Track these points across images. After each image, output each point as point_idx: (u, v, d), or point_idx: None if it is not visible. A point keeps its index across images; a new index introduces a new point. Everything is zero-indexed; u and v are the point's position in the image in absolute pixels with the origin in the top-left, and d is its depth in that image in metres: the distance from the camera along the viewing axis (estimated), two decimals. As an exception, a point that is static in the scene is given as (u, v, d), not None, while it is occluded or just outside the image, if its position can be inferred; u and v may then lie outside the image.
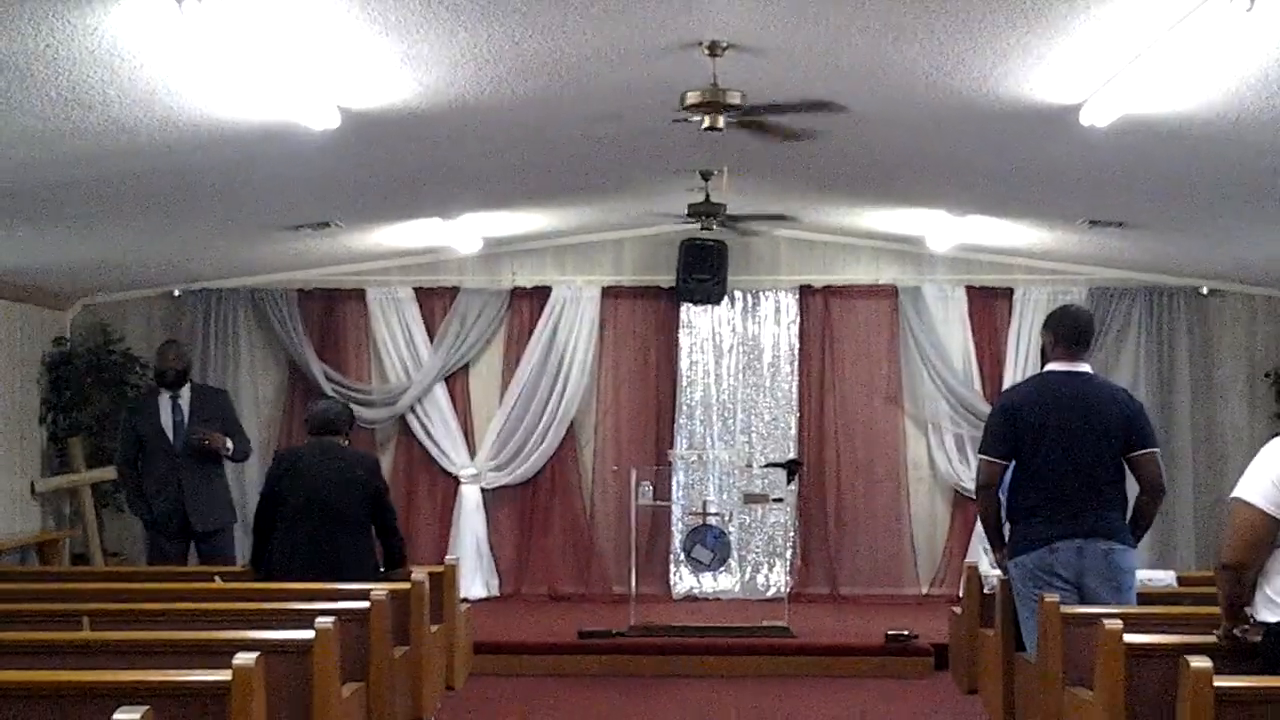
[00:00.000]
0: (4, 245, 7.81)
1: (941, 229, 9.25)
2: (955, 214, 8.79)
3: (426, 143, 6.52)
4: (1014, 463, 5.51)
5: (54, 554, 9.38)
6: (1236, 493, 4.22)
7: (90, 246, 8.38)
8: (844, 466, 10.23)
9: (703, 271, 9.91)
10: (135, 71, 4.64)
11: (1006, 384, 10.08)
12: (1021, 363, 10.11)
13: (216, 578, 6.85)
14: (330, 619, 4.83)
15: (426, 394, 10.22)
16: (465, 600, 8.53)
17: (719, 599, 10.09)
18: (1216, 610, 4.49)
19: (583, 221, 9.81)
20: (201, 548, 7.97)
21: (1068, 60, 4.94)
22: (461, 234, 9.41)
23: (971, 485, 9.85)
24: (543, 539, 10.30)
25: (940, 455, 10.18)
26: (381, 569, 6.66)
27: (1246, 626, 4.32)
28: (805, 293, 10.31)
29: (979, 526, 9.48)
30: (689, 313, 10.36)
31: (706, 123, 5.59)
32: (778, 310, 10.37)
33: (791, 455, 9.98)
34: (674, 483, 10.10)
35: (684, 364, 10.37)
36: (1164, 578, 6.56)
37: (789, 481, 9.10)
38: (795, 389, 10.31)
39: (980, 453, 5.61)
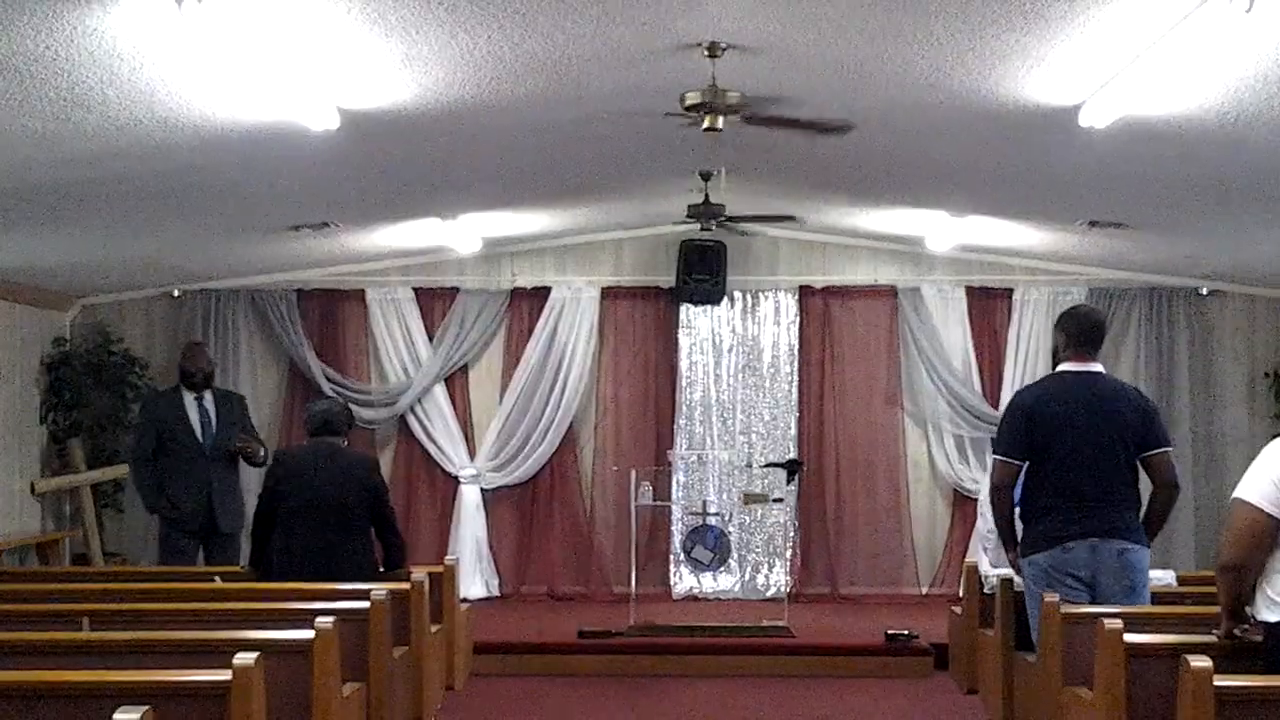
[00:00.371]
0: (4, 246, 7.82)
1: (941, 229, 9.25)
2: (955, 215, 8.79)
3: (426, 143, 6.52)
4: (1027, 463, 5.51)
5: (54, 554, 9.38)
6: (1237, 493, 4.22)
7: (90, 247, 8.39)
8: (844, 467, 10.24)
9: (702, 272, 9.92)
10: (134, 72, 4.64)
11: (1006, 384, 10.11)
12: (1021, 363, 10.12)
13: (216, 578, 6.85)
14: (330, 619, 4.83)
15: (426, 394, 10.23)
16: (465, 600, 8.54)
17: (719, 599, 10.09)
18: (1216, 610, 4.49)
19: (582, 222, 9.82)
20: (216, 548, 8.02)
21: (1067, 61, 4.94)
22: (461, 234, 9.41)
23: (971, 485, 9.97)
24: (543, 539, 10.30)
25: (940, 455, 10.19)
26: (381, 569, 6.66)
27: (1247, 626, 4.32)
28: (805, 293, 10.31)
29: (979, 526, 9.50)
30: (688, 313, 10.36)
31: (706, 123, 5.59)
32: (777, 311, 10.37)
33: (791, 455, 9.99)
34: (674, 483, 10.10)
35: (684, 364, 10.37)
36: (1164, 577, 6.55)
37: (789, 482, 9.11)
38: (795, 389, 10.31)
39: (995, 453, 5.61)
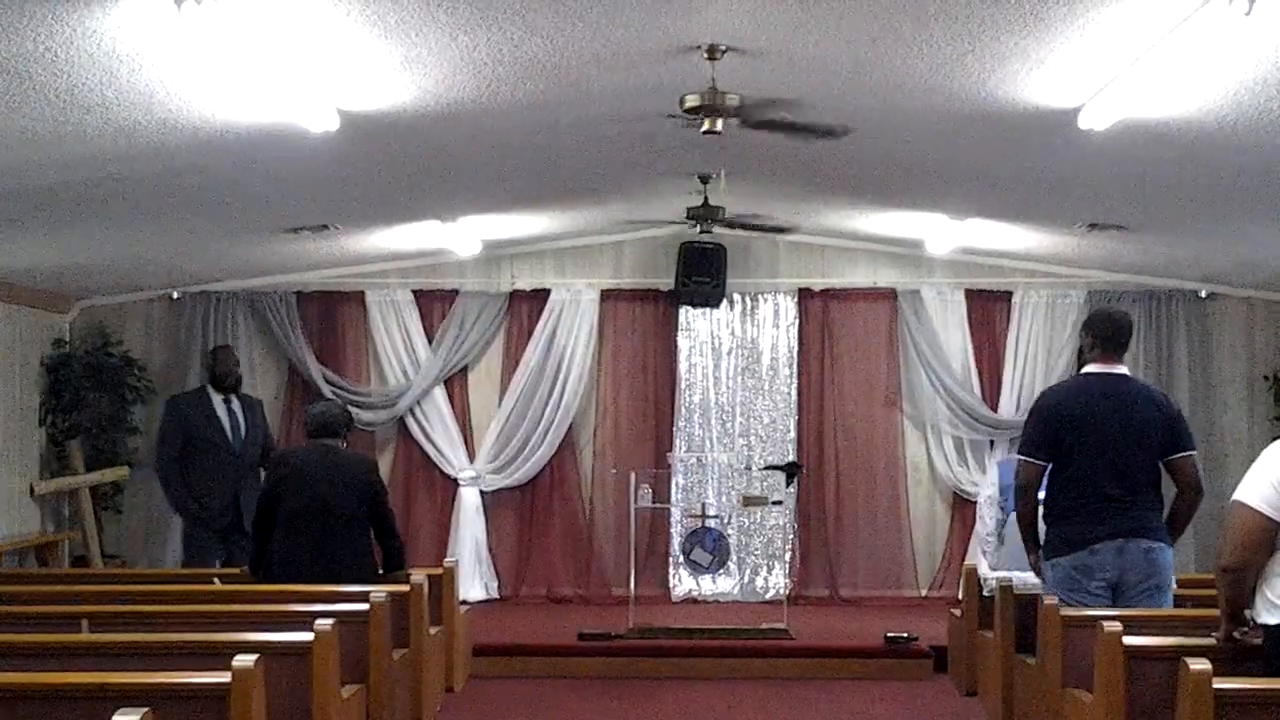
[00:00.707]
0: (3, 247, 7.82)
1: (941, 232, 9.25)
2: (954, 217, 8.79)
3: (425, 146, 6.52)
4: (1050, 464, 5.50)
5: (53, 556, 9.38)
6: (1236, 495, 4.23)
7: (89, 249, 8.39)
8: (843, 469, 10.23)
9: (702, 274, 9.91)
10: (134, 74, 4.64)
11: (1005, 387, 10.12)
12: (1020, 366, 10.13)
13: (215, 579, 6.86)
14: (330, 621, 4.83)
15: (425, 396, 10.22)
16: (464, 602, 8.54)
17: (718, 601, 10.08)
18: (1216, 612, 4.49)
19: (582, 224, 9.82)
20: (237, 547, 8.05)
21: (1066, 64, 4.94)
22: (460, 237, 9.41)
23: (970, 488, 9.97)
24: (542, 541, 10.30)
25: (939, 458, 10.19)
26: (380, 571, 6.66)
27: (1246, 629, 4.32)
28: (804, 296, 10.31)
29: (978, 528, 9.53)
30: (688, 315, 10.36)
31: (705, 126, 5.59)
32: (777, 313, 10.37)
33: (791, 458, 9.99)
34: (673, 485, 10.10)
35: (683, 367, 10.37)
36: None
37: (788, 484, 9.11)
38: (794, 392, 10.30)
39: (1020, 453, 5.58)
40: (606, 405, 10.35)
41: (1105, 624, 4.68)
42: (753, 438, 10.34)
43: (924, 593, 10.14)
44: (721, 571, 9.66)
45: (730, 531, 9.77)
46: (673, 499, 9.99)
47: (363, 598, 5.62)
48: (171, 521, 9.83)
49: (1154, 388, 5.93)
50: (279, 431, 10.07)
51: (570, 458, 10.31)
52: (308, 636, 4.74)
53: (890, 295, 10.27)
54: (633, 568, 8.95)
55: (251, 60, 4.59)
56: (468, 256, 10.13)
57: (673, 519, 10.10)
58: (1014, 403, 10.09)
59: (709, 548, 8.95)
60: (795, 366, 10.31)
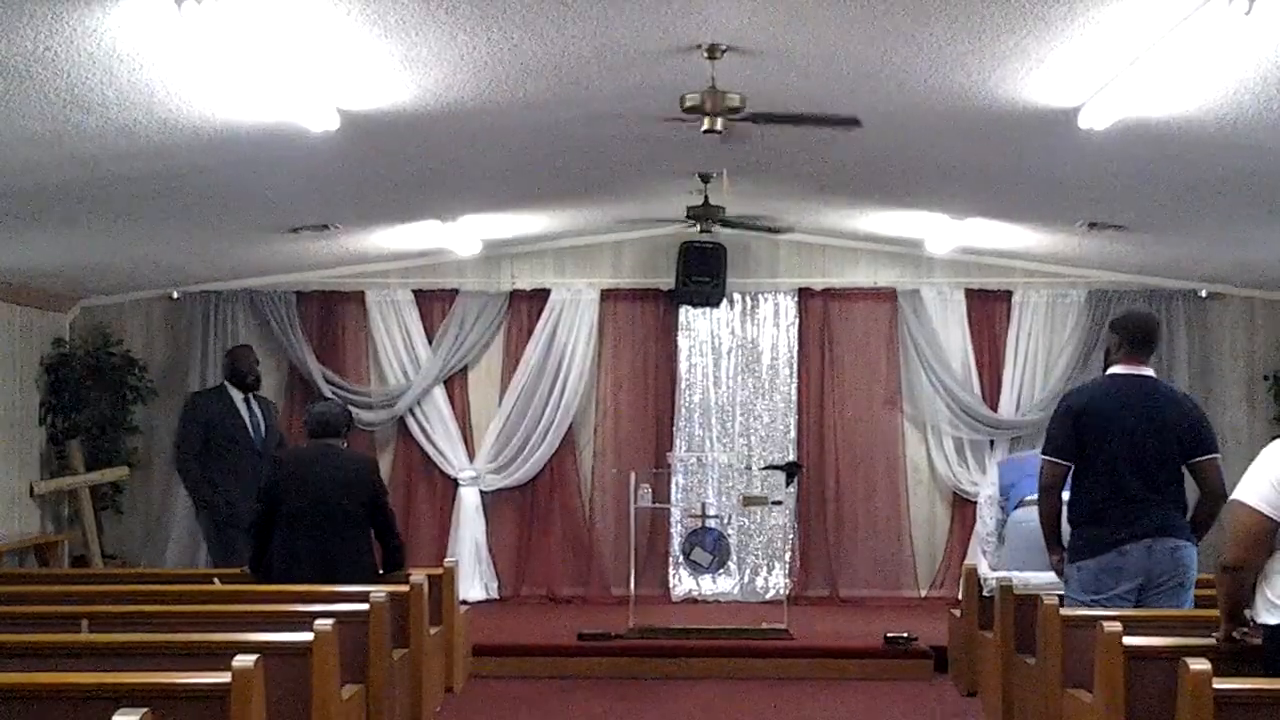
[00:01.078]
0: (3, 247, 7.82)
1: (941, 232, 9.25)
2: (954, 217, 8.79)
3: (425, 145, 6.52)
4: (1074, 465, 5.48)
5: (53, 556, 9.37)
6: (1236, 495, 4.23)
7: (89, 248, 8.39)
8: (843, 469, 10.23)
9: (702, 274, 9.91)
10: (134, 73, 4.64)
11: (1005, 387, 10.12)
12: (1020, 365, 10.13)
13: (215, 579, 6.85)
14: (329, 621, 4.83)
15: (425, 396, 10.22)
16: (464, 602, 8.54)
17: (718, 601, 10.08)
18: (1216, 613, 4.49)
19: (582, 224, 9.82)
20: None
21: (1066, 63, 4.94)
22: (461, 236, 9.41)
23: (970, 488, 9.96)
24: (542, 541, 10.30)
25: (939, 458, 10.19)
26: (380, 571, 6.66)
27: (1246, 629, 4.32)
28: (804, 295, 10.31)
29: (978, 528, 9.52)
30: (688, 315, 10.36)
31: (705, 125, 5.59)
32: (777, 313, 10.37)
33: (791, 458, 9.99)
34: (673, 485, 10.10)
35: (683, 366, 10.36)
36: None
37: (788, 484, 9.11)
38: (794, 391, 10.30)
39: (1044, 454, 5.56)
40: (606, 405, 10.35)
41: (1105, 624, 4.68)
42: (753, 437, 10.33)
43: (924, 593, 10.14)
44: (721, 571, 9.66)
45: (730, 531, 9.76)
46: (673, 499, 9.99)
47: (363, 598, 5.62)
48: (172, 521, 9.85)
49: (1179, 390, 5.90)
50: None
51: (570, 457, 10.31)
52: (308, 636, 4.74)
53: (890, 295, 10.27)
54: (633, 568, 8.95)
55: (252, 60, 4.58)
56: (468, 256, 10.13)
57: (673, 519, 10.10)
58: (1014, 403, 10.10)
59: (709, 548, 8.95)
60: (795, 366, 10.30)
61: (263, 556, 6.58)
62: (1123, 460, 5.35)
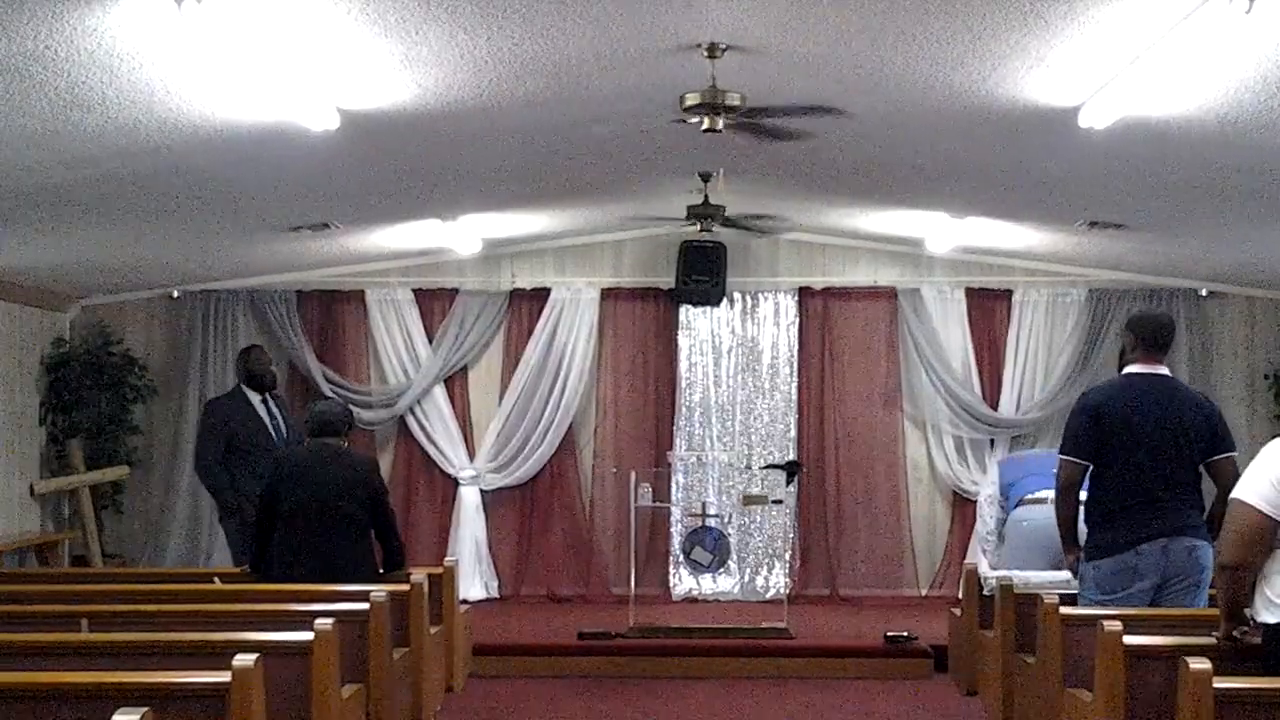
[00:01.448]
0: (4, 246, 7.82)
1: (941, 231, 9.25)
2: (955, 216, 8.79)
3: (425, 144, 6.52)
4: (1092, 465, 5.47)
5: (53, 555, 9.38)
6: (1236, 494, 4.23)
7: (89, 248, 8.39)
8: (843, 468, 10.23)
9: (702, 273, 9.91)
10: (134, 73, 4.64)
11: (1005, 386, 10.12)
12: (1020, 364, 10.13)
13: (216, 579, 6.85)
14: (330, 620, 4.83)
15: (426, 395, 10.22)
16: (464, 602, 8.54)
17: (718, 600, 10.08)
18: (1216, 612, 4.49)
19: (582, 223, 9.82)
20: None
21: (1067, 62, 4.94)
22: (461, 235, 9.41)
23: (970, 487, 9.96)
24: (542, 541, 10.30)
25: (939, 457, 10.19)
26: (380, 570, 6.65)
27: (1246, 628, 4.32)
28: (804, 294, 10.31)
29: (978, 527, 9.52)
30: (688, 314, 10.35)
31: (705, 124, 5.59)
32: (777, 312, 10.37)
33: (791, 457, 9.99)
34: (673, 484, 10.10)
35: (683, 366, 10.36)
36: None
37: (788, 483, 9.10)
38: (794, 391, 10.30)
39: (1062, 453, 5.55)
40: (606, 404, 10.35)
41: (1105, 624, 4.68)
42: (753, 437, 10.33)
43: (924, 592, 10.14)
44: (722, 571, 9.65)
45: (730, 531, 9.76)
46: (673, 498, 9.99)
47: (363, 597, 5.62)
48: (172, 521, 9.85)
49: (1195, 389, 5.90)
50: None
51: (570, 457, 10.31)
52: (308, 636, 4.73)
53: (890, 294, 10.27)
54: (633, 567, 8.95)
55: (252, 59, 4.59)
56: (468, 255, 10.13)
57: (673, 518, 10.10)
58: (1014, 402, 10.10)
59: (709, 547, 8.94)
60: (795, 365, 10.30)
61: (263, 555, 6.58)
62: (1142, 460, 5.36)
